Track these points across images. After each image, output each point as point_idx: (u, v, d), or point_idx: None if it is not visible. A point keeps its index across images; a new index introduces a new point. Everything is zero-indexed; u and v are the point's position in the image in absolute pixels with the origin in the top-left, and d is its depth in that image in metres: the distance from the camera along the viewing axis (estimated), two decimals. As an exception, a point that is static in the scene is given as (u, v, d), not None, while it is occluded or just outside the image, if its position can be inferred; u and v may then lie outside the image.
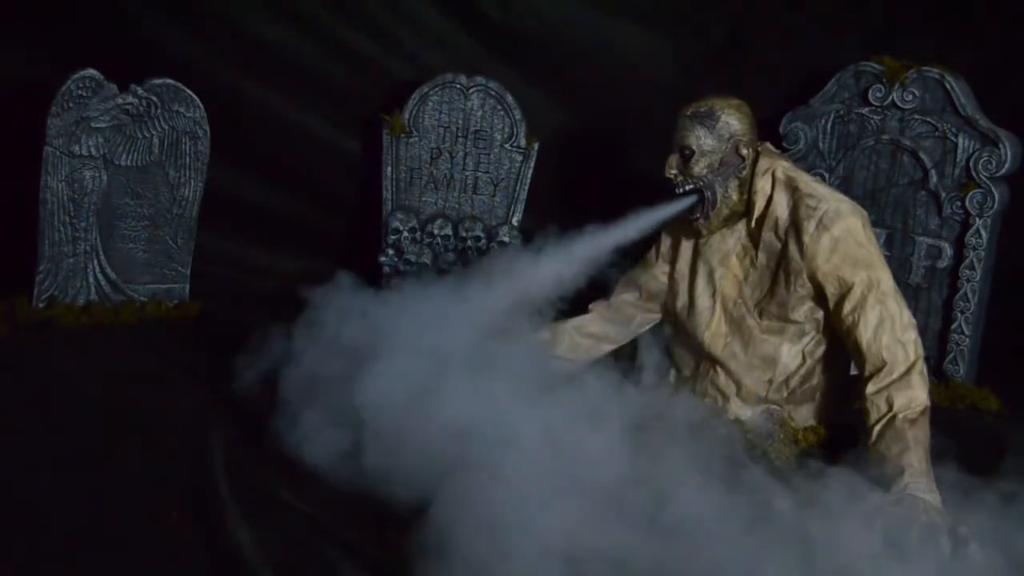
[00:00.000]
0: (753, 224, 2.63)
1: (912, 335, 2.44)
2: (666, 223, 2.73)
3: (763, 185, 2.61)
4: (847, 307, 2.49)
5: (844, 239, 2.50)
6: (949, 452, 2.41)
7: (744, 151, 2.61)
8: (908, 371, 2.39)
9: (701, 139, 2.59)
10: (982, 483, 2.30)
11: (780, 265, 2.60)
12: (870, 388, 2.40)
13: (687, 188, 2.62)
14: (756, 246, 2.64)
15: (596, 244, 2.64)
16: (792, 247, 2.56)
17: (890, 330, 2.43)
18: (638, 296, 2.87)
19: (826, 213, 2.51)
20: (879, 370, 2.40)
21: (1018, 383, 3.12)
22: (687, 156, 2.61)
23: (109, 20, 3.59)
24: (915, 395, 2.36)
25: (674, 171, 2.63)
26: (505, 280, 2.59)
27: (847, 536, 1.98)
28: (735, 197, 2.63)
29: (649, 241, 2.83)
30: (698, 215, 2.64)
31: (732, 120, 2.61)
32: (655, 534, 1.93)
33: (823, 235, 2.51)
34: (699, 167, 2.60)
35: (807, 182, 2.60)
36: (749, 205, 2.63)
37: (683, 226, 2.74)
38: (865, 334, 2.44)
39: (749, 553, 1.90)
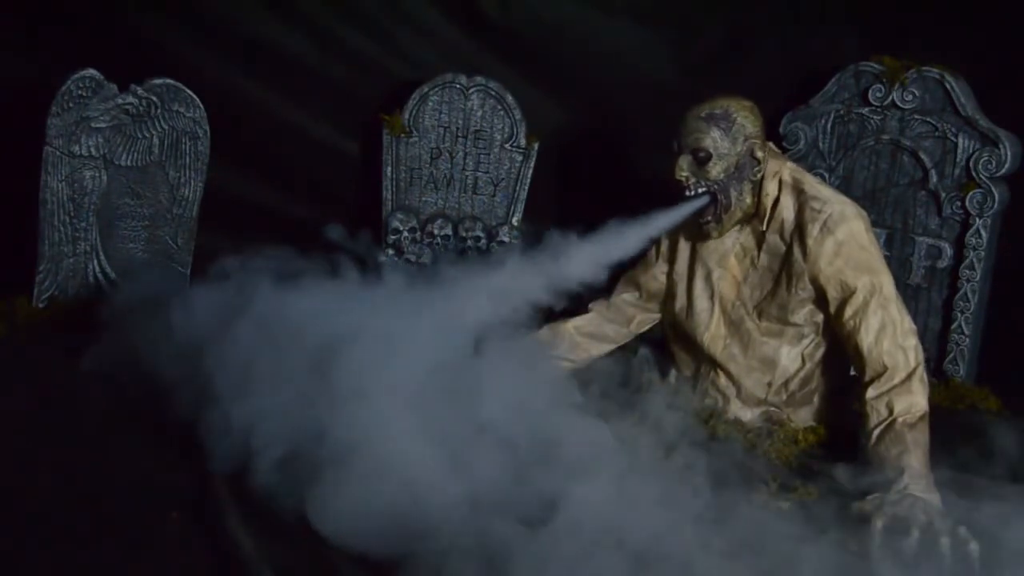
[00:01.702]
0: (765, 227, 2.61)
1: (913, 341, 2.44)
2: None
3: (772, 188, 2.59)
4: (849, 311, 2.48)
5: (848, 243, 2.50)
6: (948, 452, 2.42)
7: (759, 154, 2.56)
8: (909, 377, 2.39)
9: (718, 142, 2.54)
10: (982, 483, 2.31)
11: (783, 267, 2.60)
12: (870, 393, 2.40)
13: (700, 191, 2.57)
14: (759, 247, 2.63)
15: (607, 249, 2.58)
16: (795, 249, 2.56)
17: (891, 336, 2.43)
18: (638, 296, 2.87)
19: (831, 216, 2.51)
20: (880, 375, 2.40)
21: (1018, 383, 3.12)
22: (702, 159, 2.54)
23: (109, 20, 3.58)
24: (915, 400, 2.36)
25: (685, 173, 2.57)
26: (506, 285, 2.53)
27: None
28: (748, 200, 2.60)
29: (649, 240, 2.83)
30: (709, 218, 2.60)
31: (747, 122, 2.56)
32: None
33: (827, 238, 2.51)
34: (716, 170, 2.54)
35: (812, 184, 2.59)
36: (758, 208, 2.61)
37: (683, 226, 2.74)
38: (866, 339, 2.44)
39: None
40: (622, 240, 2.59)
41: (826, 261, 2.51)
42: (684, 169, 2.57)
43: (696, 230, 2.69)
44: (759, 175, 2.58)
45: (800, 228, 2.55)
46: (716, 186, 2.56)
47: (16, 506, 2.03)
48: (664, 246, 2.83)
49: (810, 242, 2.53)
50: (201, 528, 1.99)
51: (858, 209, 2.57)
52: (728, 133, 2.54)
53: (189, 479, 2.18)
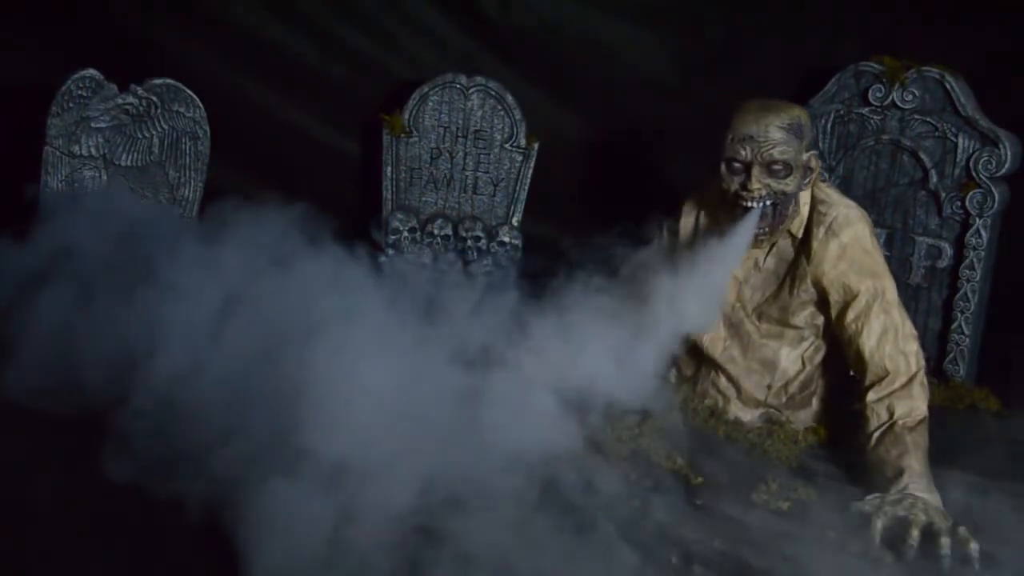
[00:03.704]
0: (799, 233, 2.57)
1: (914, 346, 2.44)
2: (672, 221, 2.74)
3: (807, 196, 2.56)
4: (851, 315, 2.48)
5: (852, 246, 2.50)
6: (949, 452, 2.42)
7: (814, 163, 2.52)
8: (909, 381, 2.39)
9: (797, 155, 2.45)
10: (982, 483, 2.32)
11: (788, 270, 2.59)
12: (871, 396, 2.40)
13: (768, 203, 2.47)
14: (768, 249, 2.62)
15: (706, 288, 2.48)
16: (800, 251, 2.56)
17: (893, 340, 2.43)
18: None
19: (835, 219, 2.51)
20: (881, 379, 2.40)
21: (1018, 383, 3.12)
22: (777, 171, 2.43)
23: (109, 20, 3.59)
24: (915, 405, 2.37)
25: (758, 186, 2.44)
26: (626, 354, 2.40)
27: None
28: (799, 210, 2.56)
29: (653, 233, 2.82)
30: (766, 228, 2.51)
31: (810, 132, 2.50)
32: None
33: (831, 241, 2.50)
34: (792, 184, 2.46)
35: (820, 187, 2.59)
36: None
37: (683, 224, 2.74)
38: (868, 343, 2.44)
39: None
40: (715, 273, 2.49)
41: (830, 264, 2.51)
42: (759, 181, 2.44)
43: (695, 229, 2.70)
44: (808, 184, 2.54)
45: (806, 230, 2.55)
46: (783, 198, 2.48)
47: (16, 506, 2.03)
48: (666, 241, 2.82)
49: (814, 244, 2.52)
50: (200, 527, 1.99)
51: (862, 212, 2.57)
52: (801, 144, 2.46)
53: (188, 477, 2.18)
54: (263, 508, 1.85)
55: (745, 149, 2.43)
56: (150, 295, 2.41)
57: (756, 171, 2.43)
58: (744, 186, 2.45)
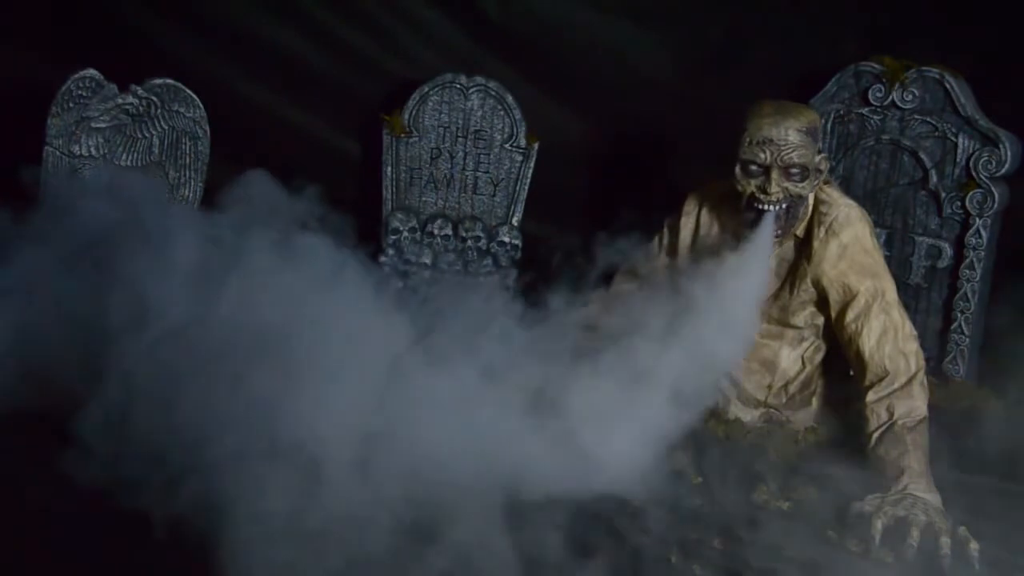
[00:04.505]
0: (803, 234, 2.57)
1: (914, 346, 2.44)
2: (673, 219, 2.74)
3: (812, 197, 2.56)
4: (851, 315, 2.48)
5: (852, 245, 2.50)
6: (949, 452, 2.43)
7: (823, 165, 2.52)
8: (909, 381, 2.39)
9: (814, 157, 2.45)
10: (981, 483, 2.32)
11: (789, 270, 2.59)
12: (871, 396, 2.40)
13: (784, 206, 2.47)
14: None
15: (741, 299, 2.45)
16: (801, 251, 2.56)
17: (893, 340, 2.43)
18: (637, 287, 2.84)
19: (836, 219, 2.51)
20: (881, 379, 2.40)
21: (1018, 383, 3.12)
22: (795, 175, 2.43)
23: (109, 20, 3.59)
24: (915, 405, 2.36)
25: (776, 189, 2.43)
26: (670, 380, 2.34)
27: None
28: (807, 212, 2.56)
29: (653, 232, 2.82)
30: (778, 231, 2.51)
31: (820, 134, 2.50)
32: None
33: (832, 240, 2.50)
34: (809, 187, 2.47)
35: (822, 187, 2.59)
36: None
37: (684, 222, 2.74)
38: (868, 343, 2.44)
39: None
40: (748, 280, 2.47)
41: (830, 264, 2.51)
42: (778, 185, 2.43)
43: (696, 228, 2.70)
44: (817, 184, 2.54)
45: (807, 230, 2.55)
46: (797, 200, 2.48)
47: (15, 506, 2.03)
48: (666, 239, 2.82)
49: (815, 244, 2.52)
50: (197, 527, 1.98)
51: (863, 213, 2.57)
52: (815, 145, 2.46)
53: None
54: (240, 510, 1.85)
55: (765, 152, 2.42)
56: (131, 281, 2.39)
57: (775, 174, 2.43)
58: (763, 189, 2.45)
